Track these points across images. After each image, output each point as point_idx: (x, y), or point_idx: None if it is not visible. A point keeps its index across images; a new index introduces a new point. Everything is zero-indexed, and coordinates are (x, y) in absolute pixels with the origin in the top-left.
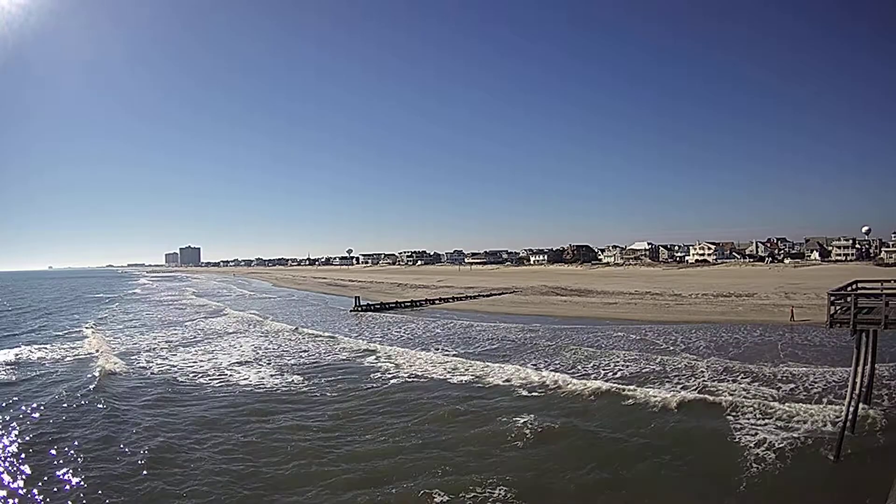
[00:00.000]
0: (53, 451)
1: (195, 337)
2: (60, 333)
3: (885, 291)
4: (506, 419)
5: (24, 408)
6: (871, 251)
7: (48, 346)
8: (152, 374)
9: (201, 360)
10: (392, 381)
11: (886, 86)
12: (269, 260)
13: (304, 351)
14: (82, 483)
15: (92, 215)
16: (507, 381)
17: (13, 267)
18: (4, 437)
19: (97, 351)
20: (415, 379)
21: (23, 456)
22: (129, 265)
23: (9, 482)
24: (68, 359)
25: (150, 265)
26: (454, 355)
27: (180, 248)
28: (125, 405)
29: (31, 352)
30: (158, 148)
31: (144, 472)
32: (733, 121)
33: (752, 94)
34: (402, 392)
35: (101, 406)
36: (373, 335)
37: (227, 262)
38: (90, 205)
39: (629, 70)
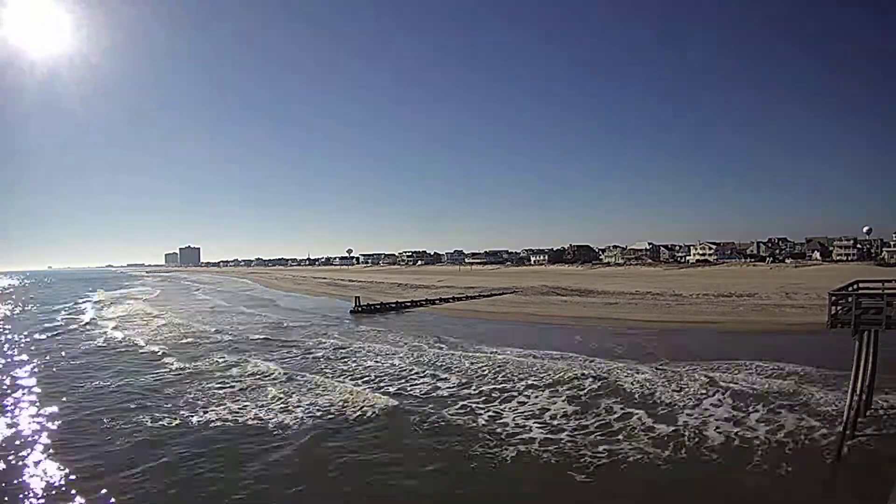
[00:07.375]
0: None
1: None
2: None
3: (886, 291)
4: None
5: None
6: (873, 251)
7: None
8: None
9: None
10: None
11: (888, 85)
12: (269, 260)
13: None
14: None
15: (92, 215)
16: None
17: (13, 267)
18: None
19: None
20: None
21: None
22: (128, 265)
23: None
24: None
25: (149, 265)
26: None
27: (180, 248)
28: None
29: None
30: (158, 148)
31: None
32: (734, 120)
33: (753, 93)
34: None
35: None
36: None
37: (227, 262)
38: (90, 205)
39: (628, 69)
